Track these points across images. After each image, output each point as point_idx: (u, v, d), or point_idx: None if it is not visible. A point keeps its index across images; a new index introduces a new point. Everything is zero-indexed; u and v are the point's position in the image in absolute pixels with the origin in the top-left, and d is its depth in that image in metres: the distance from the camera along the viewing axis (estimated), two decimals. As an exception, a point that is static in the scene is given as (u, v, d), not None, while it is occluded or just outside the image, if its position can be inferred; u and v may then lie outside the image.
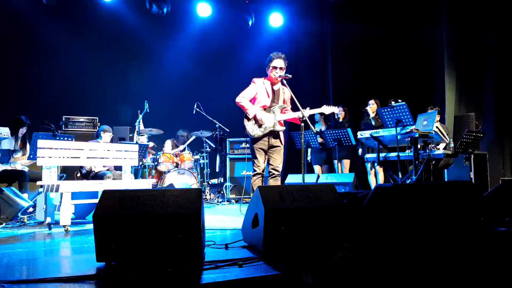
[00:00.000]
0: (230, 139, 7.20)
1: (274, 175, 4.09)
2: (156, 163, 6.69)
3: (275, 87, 4.17)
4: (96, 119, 6.85)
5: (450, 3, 7.09)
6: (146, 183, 4.17)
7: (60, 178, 4.51)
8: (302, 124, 3.94)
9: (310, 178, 5.99)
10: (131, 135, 6.84)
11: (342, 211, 2.56)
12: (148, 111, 6.38)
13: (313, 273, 1.92)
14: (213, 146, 7.17)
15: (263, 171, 4.08)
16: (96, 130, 6.31)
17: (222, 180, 7.23)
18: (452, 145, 5.82)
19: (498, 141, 6.99)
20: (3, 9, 6.88)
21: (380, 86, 7.46)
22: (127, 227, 2.15)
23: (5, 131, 4.38)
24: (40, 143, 3.70)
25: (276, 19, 8.47)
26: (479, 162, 6.25)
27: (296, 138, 6.38)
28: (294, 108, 4.07)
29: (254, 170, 4.08)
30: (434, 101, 7.04)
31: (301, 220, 2.45)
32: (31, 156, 4.86)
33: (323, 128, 6.75)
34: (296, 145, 6.47)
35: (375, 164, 6.07)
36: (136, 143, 6.11)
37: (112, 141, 6.03)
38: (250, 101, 4.10)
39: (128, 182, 4.09)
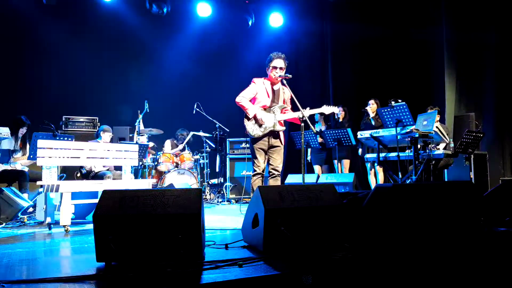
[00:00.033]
0: (230, 139, 7.20)
1: (274, 175, 4.09)
2: (156, 163, 6.69)
3: (275, 87, 4.17)
4: (96, 119, 6.85)
5: (450, 3, 7.09)
6: (146, 183, 4.16)
7: (60, 178, 4.50)
8: (302, 124, 3.94)
9: (310, 178, 5.99)
10: (131, 135, 6.84)
11: (342, 211, 2.56)
12: (148, 111, 6.38)
13: (313, 273, 1.92)
14: (213, 146, 7.16)
15: (263, 171, 4.08)
16: (96, 130, 6.31)
17: (222, 180, 7.23)
18: (452, 145, 5.81)
19: (498, 141, 6.99)
20: (3, 9, 6.87)
21: (380, 86, 7.46)
22: (127, 227, 2.15)
23: (5, 131, 4.39)
24: (40, 143, 3.70)
25: (276, 19, 8.47)
26: (479, 162, 6.25)
27: (296, 138, 6.38)
28: (294, 108, 4.07)
29: (254, 170, 4.07)
30: (434, 101, 7.04)
31: (301, 220, 2.45)
32: (31, 156, 4.86)
33: (323, 128, 6.75)
34: (296, 145, 6.46)
35: (375, 164, 6.07)
36: (136, 143, 6.11)
37: (112, 141, 6.04)
38: (250, 101, 4.10)
39: (128, 182, 4.09)
